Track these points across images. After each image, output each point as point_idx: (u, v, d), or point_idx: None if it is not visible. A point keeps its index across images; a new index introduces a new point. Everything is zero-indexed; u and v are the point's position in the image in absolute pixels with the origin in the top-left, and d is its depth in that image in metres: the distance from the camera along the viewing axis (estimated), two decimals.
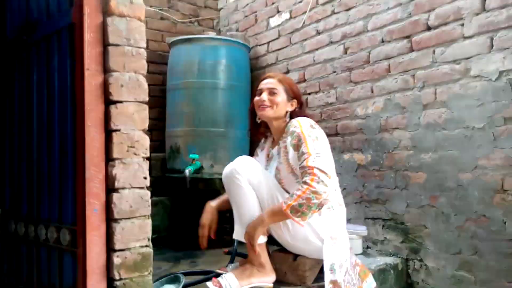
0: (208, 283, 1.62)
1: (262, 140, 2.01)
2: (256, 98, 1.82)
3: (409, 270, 2.09)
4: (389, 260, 2.09)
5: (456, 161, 1.90)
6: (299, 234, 1.70)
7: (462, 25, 1.88)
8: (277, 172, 1.78)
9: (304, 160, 1.60)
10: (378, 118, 2.25)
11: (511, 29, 1.72)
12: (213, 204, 1.92)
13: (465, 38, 1.87)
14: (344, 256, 1.68)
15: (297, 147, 1.66)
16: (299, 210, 1.56)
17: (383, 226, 2.22)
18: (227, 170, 1.73)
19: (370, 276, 1.84)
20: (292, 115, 1.81)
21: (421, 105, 2.05)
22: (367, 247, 2.29)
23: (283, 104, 1.79)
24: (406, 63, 2.12)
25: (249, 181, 1.69)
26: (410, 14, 2.10)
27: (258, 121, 1.88)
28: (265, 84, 1.82)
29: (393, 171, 2.17)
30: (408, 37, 2.11)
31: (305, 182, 1.56)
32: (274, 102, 1.77)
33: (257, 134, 1.95)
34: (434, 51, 2.00)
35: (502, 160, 1.75)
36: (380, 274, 1.98)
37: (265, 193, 1.70)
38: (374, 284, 1.84)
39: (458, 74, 1.90)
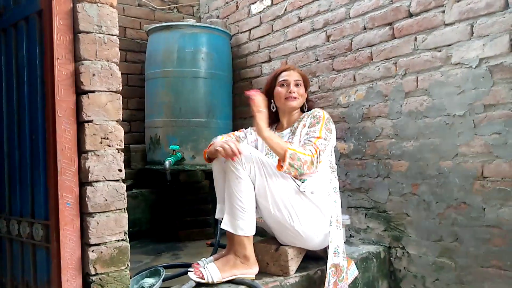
0: (190, 273, 1.59)
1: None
2: (280, 89, 1.90)
3: (391, 258, 2.10)
4: (372, 248, 2.10)
5: (437, 148, 1.91)
6: (308, 218, 1.70)
7: (443, 12, 1.87)
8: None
9: (313, 137, 1.73)
10: (361, 107, 2.23)
11: (490, 16, 1.71)
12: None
13: (446, 25, 1.86)
14: (343, 241, 1.72)
15: (311, 125, 1.79)
16: (294, 160, 1.62)
17: (366, 214, 2.22)
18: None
19: (353, 264, 1.85)
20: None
21: (403, 93, 2.04)
22: (350, 236, 2.30)
23: (303, 95, 1.94)
24: (388, 51, 2.10)
25: (248, 173, 1.66)
26: (391, 1, 2.07)
27: (273, 110, 1.97)
28: (289, 75, 1.91)
29: (376, 160, 2.17)
30: (390, 24, 2.09)
31: (310, 151, 1.67)
32: (300, 93, 1.90)
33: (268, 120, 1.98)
34: (415, 38, 1.98)
35: (481, 147, 1.75)
36: (362, 263, 1.98)
37: (264, 180, 1.68)
38: (357, 272, 1.85)
39: (439, 61, 1.89)
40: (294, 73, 1.92)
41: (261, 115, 1.69)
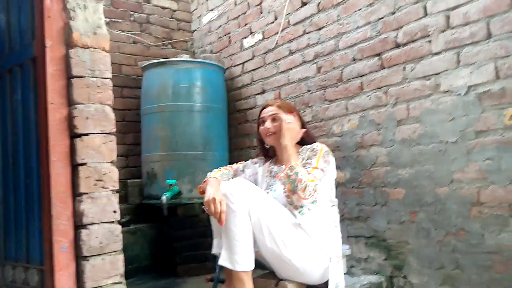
0: None
1: (255, 158, 2.08)
2: (261, 127, 1.93)
3: None
4: (373, 278, 2.07)
5: (432, 175, 1.91)
6: (306, 252, 1.68)
7: (430, 41, 1.91)
8: None
9: (309, 167, 1.71)
10: (354, 135, 2.25)
11: (475, 45, 1.75)
12: (215, 179, 1.84)
13: (433, 54, 1.90)
14: (343, 276, 1.70)
15: (308, 158, 1.78)
16: (292, 172, 1.64)
17: (366, 243, 2.20)
18: (222, 190, 1.70)
19: None
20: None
21: (395, 121, 2.06)
22: (351, 266, 2.27)
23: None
24: (378, 80, 2.14)
25: (244, 206, 1.65)
26: (379, 32, 2.13)
27: (267, 147, 1.97)
28: (266, 113, 1.92)
29: (372, 188, 2.17)
30: (378, 54, 2.14)
31: (311, 176, 1.67)
32: (278, 127, 1.87)
33: (266, 157, 2.03)
34: (404, 68, 2.02)
35: (476, 173, 1.76)
36: None
37: (266, 212, 1.68)
38: None
39: (428, 89, 1.92)
40: (271, 108, 1.91)
41: (290, 126, 1.78)
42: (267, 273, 1.88)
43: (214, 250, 1.82)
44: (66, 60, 1.34)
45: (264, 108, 1.98)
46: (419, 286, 1.96)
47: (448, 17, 1.84)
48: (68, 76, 1.34)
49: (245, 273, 1.64)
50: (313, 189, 1.65)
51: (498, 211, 1.69)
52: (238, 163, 2.10)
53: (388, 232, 2.10)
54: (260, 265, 1.83)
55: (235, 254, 1.62)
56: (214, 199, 1.65)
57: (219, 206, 1.64)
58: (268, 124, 1.89)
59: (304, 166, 1.75)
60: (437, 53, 1.89)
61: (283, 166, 1.94)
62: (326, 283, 1.73)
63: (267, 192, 1.90)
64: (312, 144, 1.89)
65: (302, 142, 1.99)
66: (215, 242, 1.81)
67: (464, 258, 1.79)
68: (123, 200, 2.85)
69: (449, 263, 1.85)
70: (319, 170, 1.72)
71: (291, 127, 1.80)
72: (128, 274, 1.37)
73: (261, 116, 1.95)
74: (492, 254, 1.71)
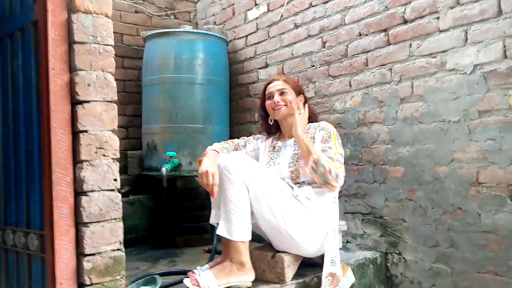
0: (186, 281, 1.59)
1: (258, 134, 2.11)
2: (268, 102, 1.95)
3: (388, 264, 2.10)
4: (368, 254, 2.10)
5: (432, 154, 1.91)
6: (305, 225, 1.71)
7: (438, 18, 1.88)
8: (293, 159, 1.87)
9: (332, 153, 1.78)
10: (357, 112, 2.24)
11: (484, 22, 1.72)
12: (214, 151, 1.84)
13: (441, 31, 1.87)
14: (339, 251, 1.73)
15: (324, 140, 1.83)
16: (317, 166, 1.70)
17: (362, 220, 2.22)
18: (220, 163, 1.72)
19: (349, 271, 1.85)
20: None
21: (398, 98, 2.05)
22: (347, 242, 2.30)
23: (294, 100, 1.92)
24: (383, 57, 2.11)
25: (242, 178, 1.67)
26: (386, 7, 2.08)
27: (271, 123, 2.01)
28: (273, 87, 1.95)
29: (372, 165, 2.17)
30: (385, 30, 2.10)
31: (336, 162, 1.74)
32: (287, 101, 1.90)
33: (269, 133, 2.06)
34: (410, 45, 1.99)
35: (477, 153, 1.76)
36: (359, 269, 1.98)
37: (265, 187, 1.70)
38: (353, 279, 1.85)
39: (434, 67, 1.90)
40: (278, 82, 1.95)
41: (301, 115, 1.85)
42: (263, 245, 1.91)
43: (211, 220, 1.85)
44: (68, 25, 1.32)
45: (269, 82, 1.99)
46: (413, 262, 2.00)
47: None
48: (70, 42, 1.32)
49: (242, 243, 1.67)
50: (343, 175, 1.74)
51: (497, 191, 1.70)
52: (240, 138, 2.10)
53: (385, 209, 2.11)
54: (257, 238, 1.86)
55: (233, 224, 1.65)
56: (207, 172, 1.67)
57: (211, 179, 1.66)
58: (277, 97, 1.91)
59: (326, 152, 1.79)
60: (444, 30, 1.85)
61: (287, 141, 1.95)
62: (322, 257, 1.76)
63: (269, 166, 1.91)
64: (320, 124, 1.94)
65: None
66: (213, 213, 1.84)
67: (459, 237, 1.82)
68: (122, 171, 2.86)
69: (444, 241, 1.87)
70: (339, 155, 1.79)
71: (304, 117, 1.88)
72: (126, 244, 1.38)
73: (269, 91, 1.97)
74: (487, 233, 1.73)
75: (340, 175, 1.71)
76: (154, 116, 2.77)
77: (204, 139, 2.70)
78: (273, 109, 1.93)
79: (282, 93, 1.92)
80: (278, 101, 1.91)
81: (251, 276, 1.69)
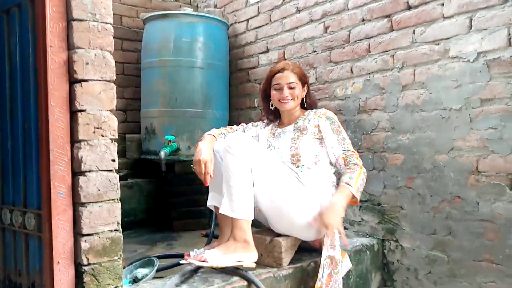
0: (192, 260, 1.57)
1: (257, 122, 2.11)
2: (275, 92, 1.93)
3: (385, 251, 2.11)
4: (366, 241, 2.11)
5: (433, 142, 1.90)
6: (305, 207, 1.71)
7: (442, 4, 1.85)
8: (294, 143, 1.87)
9: (347, 144, 1.85)
10: (357, 99, 2.22)
11: (489, 9, 1.69)
12: (208, 140, 1.84)
13: (445, 18, 1.85)
14: (338, 236, 1.72)
15: (336, 131, 1.87)
16: (361, 188, 1.78)
17: (360, 207, 2.22)
18: (224, 142, 1.71)
19: (346, 256, 1.85)
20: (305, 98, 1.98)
21: (400, 86, 2.03)
22: (345, 228, 2.29)
23: (300, 93, 1.94)
24: (386, 43, 2.08)
25: (246, 157, 1.66)
26: None
27: (272, 108, 2.01)
28: (283, 79, 1.91)
29: (371, 153, 2.16)
30: (388, 16, 2.07)
31: (356, 164, 1.79)
32: (294, 95, 1.91)
33: (268, 117, 2.06)
34: (414, 31, 1.97)
35: (477, 141, 1.75)
36: (356, 255, 1.99)
37: (268, 166, 1.70)
38: (350, 265, 1.85)
39: (437, 54, 1.88)
40: (288, 74, 1.90)
41: (339, 225, 1.72)
42: (262, 230, 1.91)
43: (209, 203, 1.85)
44: (67, 2, 1.28)
45: (277, 72, 1.94)
46: (410, 249, 2.00)
47: None
48: (68, 19, 1.28)
49: (246, 221, 1.66)
50: (361, 161, 1.83)
51: (496, 180, 1.69)
52: (239, 125, 2.09)
53: (383, 196, 2.11)
54: (256, 223, 1.85)
55: (236, 202, 1.64)
56: (199, 161, 1.69)
57: (203, 168, 1.66)
58: (286, 92, 1.90)
59: (340, 144, 1.84)
60: (449, 17, 1.83)
61: (287, 127, 1.95)
62: (320, 241, 1.76)
63: (270, 151, 1.91)
64: (320, 111, 1.92)
65: (303, 104, 1.97)
66: (210, 195, 1.84)
67: (457, 225, 1.82)
68: (121, 154, 2.85)
69: (441, 229, 1.88)
70: (349, 141, 1.87)
71: (341, 216, 1.73)
72: (124, 227, 1.38)
73: (277, 82, 1.92)
74: (485, 222, 1.73)
75: (360, 161, 1.82)
76: (153, 99, 2.74)
77: (203, 123, 2.69)
78: (280, 101, 1.91)
79: (290, 87, 1.90)
80: (286, 96, 1.89)
81: (255, 254, 1.66)
